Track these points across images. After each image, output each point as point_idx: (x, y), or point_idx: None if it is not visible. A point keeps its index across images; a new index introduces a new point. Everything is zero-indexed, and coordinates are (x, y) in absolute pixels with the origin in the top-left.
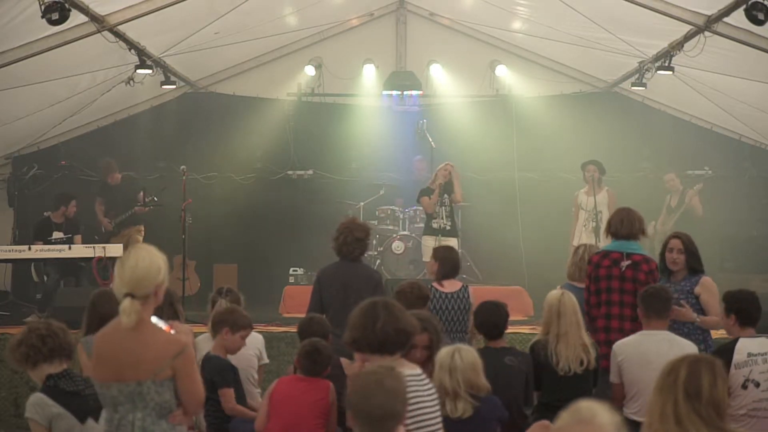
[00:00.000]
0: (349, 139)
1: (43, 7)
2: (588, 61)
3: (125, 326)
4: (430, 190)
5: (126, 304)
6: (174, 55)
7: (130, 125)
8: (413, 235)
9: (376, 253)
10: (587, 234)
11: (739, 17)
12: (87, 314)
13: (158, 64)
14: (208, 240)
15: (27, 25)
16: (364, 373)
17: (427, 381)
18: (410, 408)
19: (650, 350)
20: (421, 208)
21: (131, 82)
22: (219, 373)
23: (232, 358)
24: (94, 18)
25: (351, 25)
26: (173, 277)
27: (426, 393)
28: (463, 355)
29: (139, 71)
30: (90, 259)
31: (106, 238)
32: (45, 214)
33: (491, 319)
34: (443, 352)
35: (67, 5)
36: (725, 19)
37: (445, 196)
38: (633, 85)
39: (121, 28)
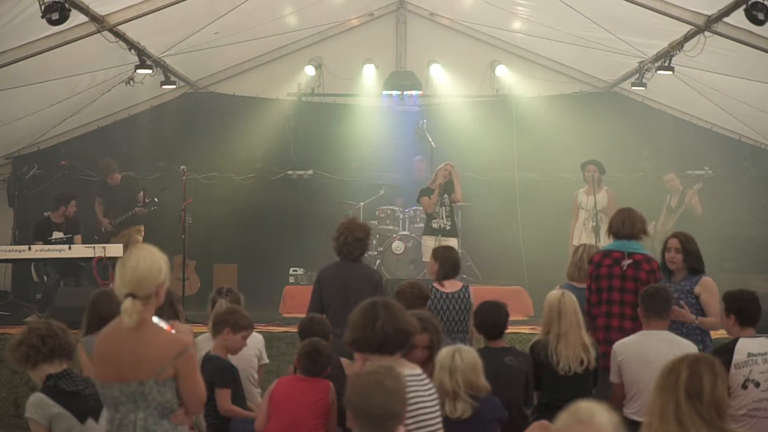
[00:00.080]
0: (349, 139)
1: (43, 7)
2: (588, 61)
3: (127, 326)
4: (430, 190)
5: (127, 304)
6: (174, 55)
7: (130, 125)
8: (413, 235)
9: (376, 253)
10: (587, 234)
11: (739, 17)
12: (87, 314)
13: (158, 64)
14: (208, 240)
15: (27, 25)
16: (363, 373)
17: (427, 381)
18: (410, 408)
19: (650, 350)
20: (421, 208)
21: (131, 82)
22: (217, 373)
23: (232, 358)
24: (94, 18)
25: (351, 25)
26: (173, 277)
27: (426, 393)
28: (463, 356)
29: (139, 71)
30: (90, 259)
31: (106, 238)
32: (45, 214)
33: (491, 319)
34: (443, 353)
35: (67, 5)
36: (725, 19)
37: (445, 196)
38: (633, 85)
39: (121, 28)
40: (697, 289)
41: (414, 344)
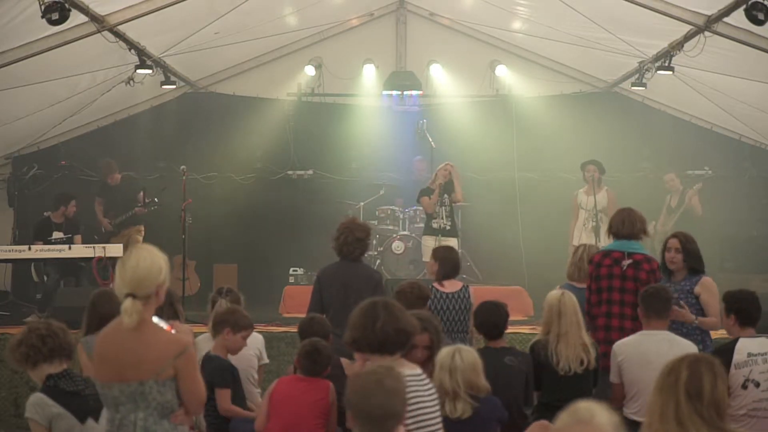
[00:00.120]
0: (349, 139)
1: (43, 7)
2: (588, 61)
3: (127, 326)
4: (430, 190)
5: (127, 304)
6: (174, 55)
7: (130, 125)
8: (413, 235)
9: (376, 253)
10: (587, 234)
11: (739, 17)
12: (87, 314)
13: (158, 64)
14: (208, 240)
15: (27, 25)
16: (363, 373)
17: (427, 381)
18: (410, 408)
19: (650, 350)
20: (421, 208)
21: (131, 82)
22: (217, 373)
23: (233, 358)
24: (94, 18)
25: (351, 25)
26: (173, 277)
27: (426, 393)
28: (463, 356)
29: (139, 71)
30: (90, 259)
31: (106, 238)
32: (45, 214)
33: (491, 319)
34: (443, 353)
35: (67, 5)
36: (725, 19)
37: (445, 196)
38: (633, 85)
39: (121, 28)
40: (697, 289)
41: (414, 344)
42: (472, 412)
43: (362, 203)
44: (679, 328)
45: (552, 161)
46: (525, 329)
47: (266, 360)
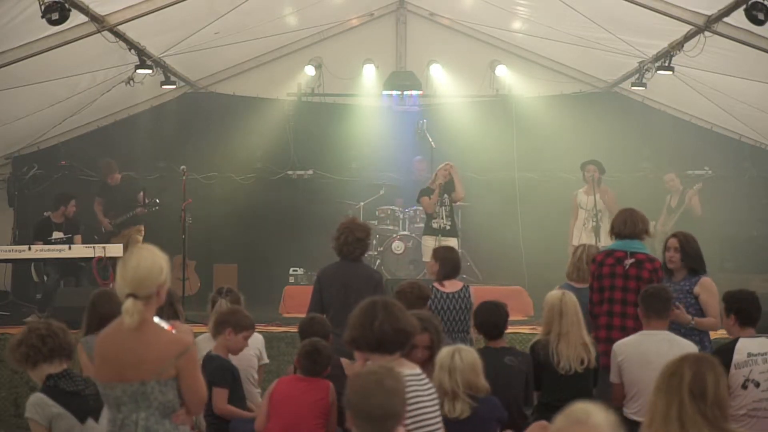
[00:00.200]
0: (349, 139)
1: (43, 7)
2: (588, 61)
3: (128, 326)
4: (430, 190)
5: (128, 304)
6: (174, 55)
7: (130, 125)
8: (413, 235)
9: (376, 253)
10: (587, 234)
11: (739, 17)
12: (87, 314)
13: (158, 64)
14: (208, 240)
15: (27, 25)
16: (363, 373)
17: (426, 381)
18: (409, 408)
19: (650, 350)
20: (421, 208)
21: (131, 82)
22: (218, 372)
23: (233, 359)
24: (94, 18)
25: (351, 25)
26: (173, 277)
27: (425, 393)
28: (463, 356)
29: (139, 71)
30: (90, 259)
31: (106, 238)
32: (45, 214)
33: (491, 319)
34: (443, 353)
35: (67, 5)
36: (725, 19)
37: (445, 196)
38: (633, 85)
39: (121, 28)
40: (696, 290)
41: (414, 344)
42: (471, 412)
43: (362, 203)
44: (678, 328)
45: (552, 161)
46: (525, 329)
47: (266, 360)
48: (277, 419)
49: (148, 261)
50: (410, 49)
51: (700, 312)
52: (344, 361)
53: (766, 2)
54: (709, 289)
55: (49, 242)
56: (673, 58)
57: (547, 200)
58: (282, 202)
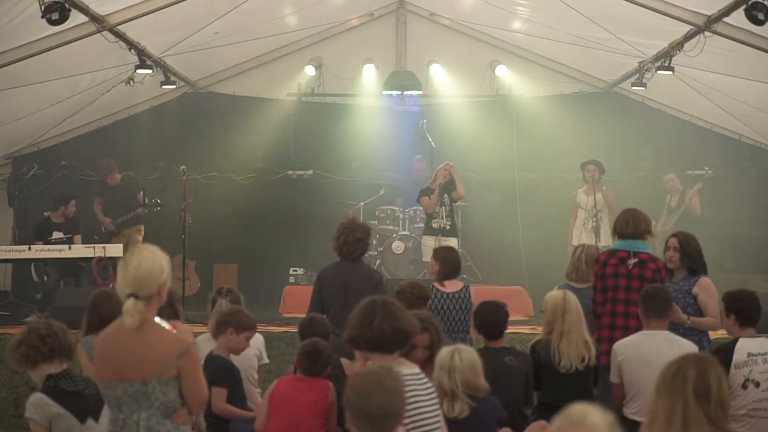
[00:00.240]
0: (349, 139)
1: (43, 7)
2: (588, 61)
3: (129, 327)
4: (430, 190)
5: (129, 304)
6: (174, 55)
7: (130, 125)
8: (413, 235)
9: (376, 253)
10: (587, 234)
11: (739, 17)
12: (87, 314)
13: (158, 64)
14: (208, 240)
15: (27, 25)
16: (363, 373)
17: (425, 380)
18: (408, 407)
19: (650, 350)
20: (421, 208)
21: (131, 82)
22: (218, 372)
23: (233, 358)
24: (94, 18)
25: (351, 25)
26: (173, 277)
27: (424, 392)
28: (462, 356)
29: (139, 71)
30: (90, 259)
31: (106, 238)
32: (45, 214)
33: (491, 319)
34: (443, 353)
35: (67, 5)
36: (725, 19)
37: (445, 196)
38: (633, 85)
39: (121, 28)
40: (695, 290)
41: (415, 344)
42: (470, 412)
43: (362, 203)
44: (677, 328)
45: (552, 161)
46: (525, 329)
47: (266, 360)
48: (277, 419)
49: (149, 261)
50: (410, 49)
51: (699, 312)
52: (344, 361)
53: (766, 2)
54: (707, 290)
55: (49, 242)
56: (673, 58)
57: (547, 200)
58: (282, 202)
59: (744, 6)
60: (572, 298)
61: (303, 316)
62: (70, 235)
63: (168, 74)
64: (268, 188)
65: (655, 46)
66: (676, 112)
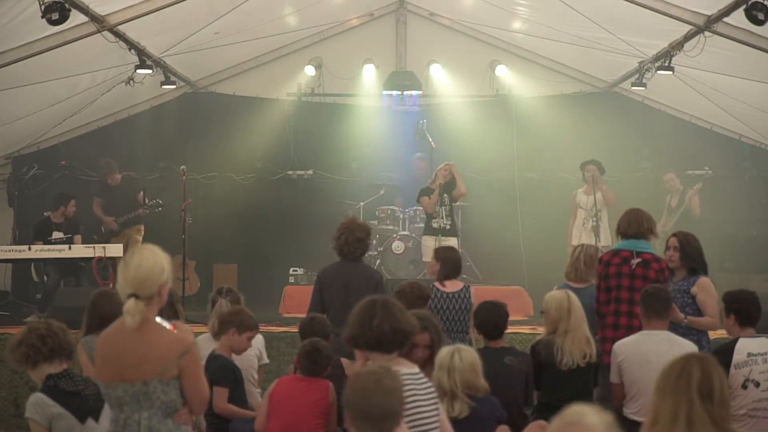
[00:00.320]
0: (349, 139)
1: (43, 7)
2: (588, 61)
3: (129, 327)
4: (429, 190)
5: (130, 304)
6: (174, 55)
7: (130, 125)
8: (413, 235)
9: (376, 253)
10: (587, 233)
11: (739, 17)
12: (87, 314)
13: (158, 64)
14: (208, 240)
15: (27, 25)
16: (362, 373)
17: (425, 380)
18: (406, 407)
19: (650, 350)
20: (421, 208)
21: (131, 82)
22: (220, 372)
23: (234, 358)
24: (94, 18)
25: (351, 25)
26: (173, 277)
27: (423, 392)
28: (462, 356)
29: (139, 71)
30: (90, 259)
31: (106, 238)
32: (45, 214)
33: (491, 319)
34: (443, 352)
35: (67, 5)
36: (725, 19)
37: (445, 195)
38: (633, 85)
39: (121, 28)
40: (693, 290)
41: (415, 344)
42: (470, 411)
43: (362, 203)
44: (676, 328)
45: (552, 161)
46: (525, 329)
47: (266, 360)
48: (277, 419)
49: (150, 261)
50: (410, 49)
51: (698, 312)
52: (344, 361)
53: (766, 2)
54: (706, 290)
55: (49, 242)
56: (673, 58)
57: (547, 200)
58: (282, 202)
59: (744, 6)
60: (574, 296)
61: (303, 316)
62: (70, 235)
63: (168, 74)
64: (268, 188)
65: (655, 46)
66: (676, 112)
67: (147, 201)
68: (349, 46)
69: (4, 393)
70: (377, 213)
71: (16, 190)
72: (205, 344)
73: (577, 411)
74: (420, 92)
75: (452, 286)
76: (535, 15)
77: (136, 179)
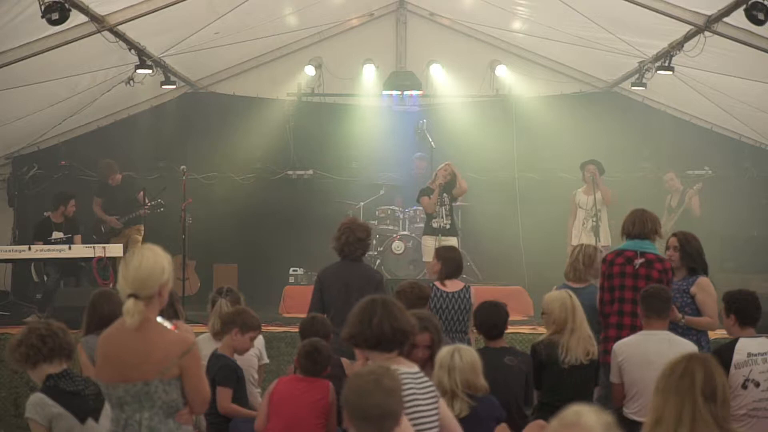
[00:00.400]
0: (349, 139)
1: (43, 7)
2: (588, 61)
3: (129, 327)
4: (429, 190)
5: (129, 304)
6: (174, 55)
7: (130, 125)
8: (413, 235)
9: (376, 253)
10: (586, 233)
11: (739, 17)
12: (87, 314)
13: (158, 64)
14: (208, 240)
15: (27, 25)
16: (361, 372)
17: (425, 379)
18: (406, 406)
19: (650, 350)
20: (421, 208)
21: (131, 82)
22: (223, 372)
23: (234, 358)
24: (94, 18)
25: (351, 25)
26: (173, 277)
27: (422, 391)
28: (462, 355)
29: (139, 71)
30: (90, 259)
31: (106, 238)
32: (45, 214)
33: (491, 319)
34: (443, 352)
35: (67, 5)
36: (725, 19)
37: (445, 195)
38: (633, 85)
39: (121, 28)
40: (693, 290)
41: (415, 343)
42: (470, 411)
43: (362, 203)
44: (675, 328)
45: (552, 161)
46: (525, 329)
47: (266, 360)
48: (277, 419)
49: (150, 261)
50: (410, 49)
51: (697, 312)
52: (345, 361)
53: (766, 2)
54: (705, 289)
55: (49, 242)
56: (673, 58)
57: (547, 200)
58: (282, 202)
59: (744, 6)
60: (574, 296)
61: (303, 316)
62: (70, 235)
63: (168, 74)
64: (268, 188)
65: (655, 46)
66: (676, 112)
67: (147, 201)
68: (349, 46)
69: (4, 393)
70: (377, 213)
71: (16, 190)
72: (205, 344)
73: (576, 411)
74: (420, 92)
75: (453, 285)
76: (535, 15)
77: (136, 179)
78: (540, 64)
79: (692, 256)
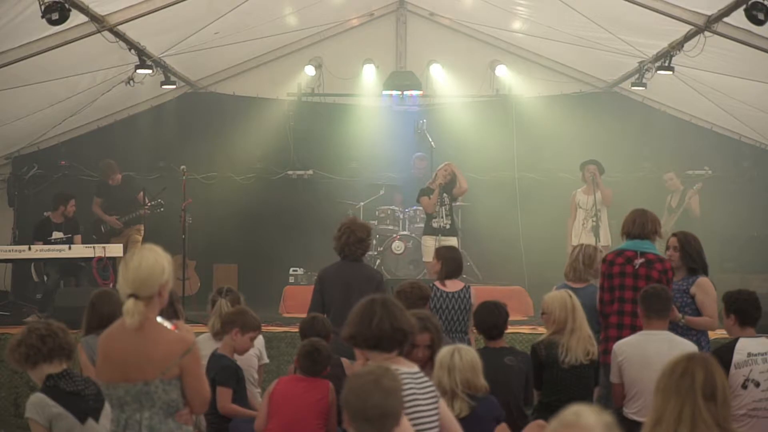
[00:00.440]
0: (349, 139)
1: (43, 7)
2: (588, 61)
3: (129, 327)
4: (429, 190)
5: (129, 304)
6: (174, 55)
7: (130, 125)
8: (413, 235)
9: (376, 253)
10: (586, 233)
11: (739, 17)
12: (87, 314)
13: (158, 64)
14: (208, 240)
15: (27, 25)
16: (361, 372)
17: (425, 379)
18: (406, 406)
19: (650, 350)
20: (421, 208)
21: (131, 82)
22: (223, 372)
23: (235, 358)
24: (94, 18)
25: (351, 25)
26: (173, 277)
27: (422, 391)
28: (462, 355)
29: (139, 71)
30: (90, 259)
31: (106, 238)
32: (45, 214)
33: (491, 319)
34: (443, 352)
35: (67, 5)
36: (725, 19)
37: (445, 195)
38: (633, 85)
39: (121, 28)
40: (692, 290)
41: (415, 343)
42: (469, 411)
43: (362, 203)
44: (675, 328)
45: (552, 161)
46: (525, 329)
47: (266, 360)
48: (277, 419)
49: (150, 261)
50: (410, 49)
51: (696, 312)
52: (345, 361)
53: (766, 2)
54: (705, 290)
55: (49, 242)
56: (673, 58)
57: (547, 200)
58: (282, 202)
59: (744, 6)
60: (574, 296)
61: (303, 316)
62: (70, 235)
63: (168, 74)
64: (268, 188)
65: (655, 46)
66: (676, 112)
67: (147, 201)
68: (349, 46)
69: (4, 393)
70: (377, 213)
71: (16, 190)
72: (205, 344)
73: (576, 411)
74: (420, 92)
75: (453, 285)
76: (535, 15)
77: (136, 179)
78: (540, 64)
79: (692, 256)
